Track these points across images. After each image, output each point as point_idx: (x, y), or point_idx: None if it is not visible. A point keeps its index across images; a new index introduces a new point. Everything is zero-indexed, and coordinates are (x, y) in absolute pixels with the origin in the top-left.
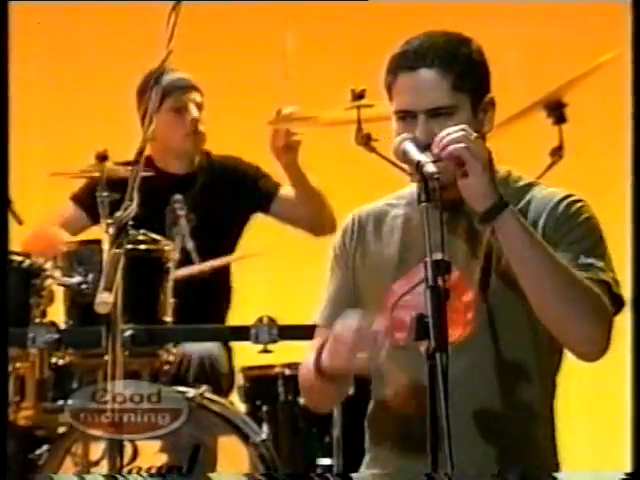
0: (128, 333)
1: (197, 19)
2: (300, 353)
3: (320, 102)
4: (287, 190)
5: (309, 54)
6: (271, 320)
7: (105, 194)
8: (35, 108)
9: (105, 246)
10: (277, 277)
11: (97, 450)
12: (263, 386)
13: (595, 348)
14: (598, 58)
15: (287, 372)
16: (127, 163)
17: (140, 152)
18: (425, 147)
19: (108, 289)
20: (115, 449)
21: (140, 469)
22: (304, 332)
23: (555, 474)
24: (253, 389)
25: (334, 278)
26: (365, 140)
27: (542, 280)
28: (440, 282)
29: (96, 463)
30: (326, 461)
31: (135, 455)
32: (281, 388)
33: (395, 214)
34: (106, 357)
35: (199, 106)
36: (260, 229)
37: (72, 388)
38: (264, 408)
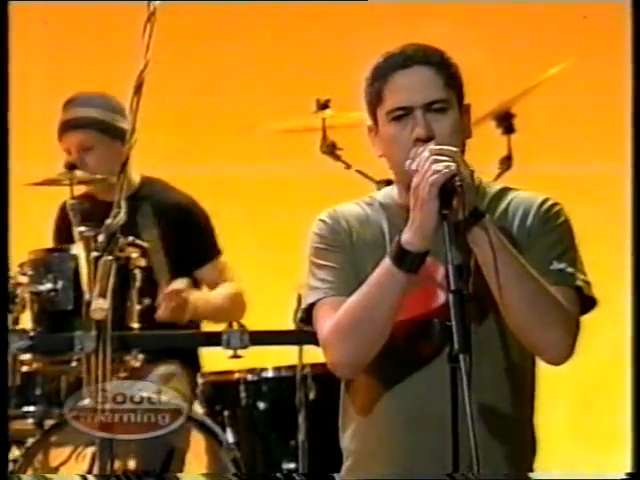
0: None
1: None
2: (262, 358)
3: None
4: (222, 262)
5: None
6: (240, 326)
7: (75, 202)
8: (35, 107)
9: (80, 253)
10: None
11: (56, 456)
12: (223, 391)
13: (559, 355)
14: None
15: (249, 377)
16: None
17: (124, 162)
18: (425, 140)
19: (102, 295)
20: (104, 451)
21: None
22: (275, 338)
23: (555, 474)
24: (213, 394)
25: (332, 256)
26: (330, 149)
27: (511, 288)
28: (462, 286)
29: (56, 469)
30: (291, 466)
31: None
32: (243, 393)
33: (377, 217)
34: (73, 363)
35: (86, 148)
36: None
37: (36, 394)
38: (225, 413)
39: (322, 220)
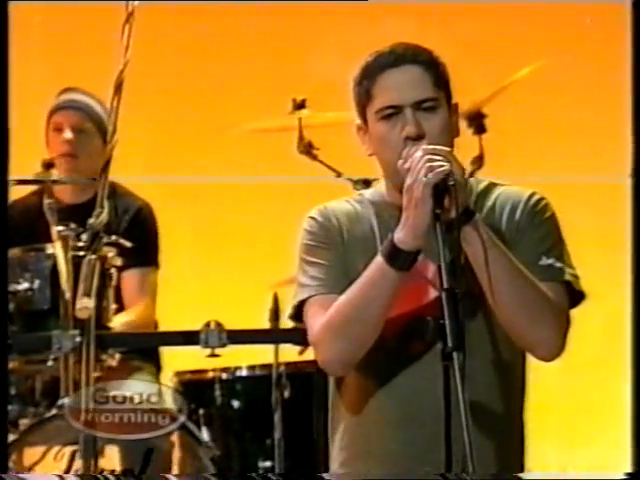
0: (79, 339)
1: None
2: (234, 357)
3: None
4: (151, 275)
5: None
6: (218, 324)
7: (52, 201)
8: (35, 107)
9: (58, 252)
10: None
11: (30, 456)
12: (197, 390)
13: (551, 351)
14: (603, 64)
15: (224, 376)
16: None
17: (107, 161)
18: (416, 139)
19: (87, 294)
20: (89, 450)
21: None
22: (253, 336)
23: (555, 474)
24: (187, 393)
25: (323, 253)
26: (307, 148)
27: (502, 286)
28: (454, 284)
29: (30, 469)
30: (267, 464)
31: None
32: (218, 392)
33: (367, 215)
34: (49, 363)
35: (79, 130)
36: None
37: (10, 394)
38: (200, 412)
39: (312, 217)
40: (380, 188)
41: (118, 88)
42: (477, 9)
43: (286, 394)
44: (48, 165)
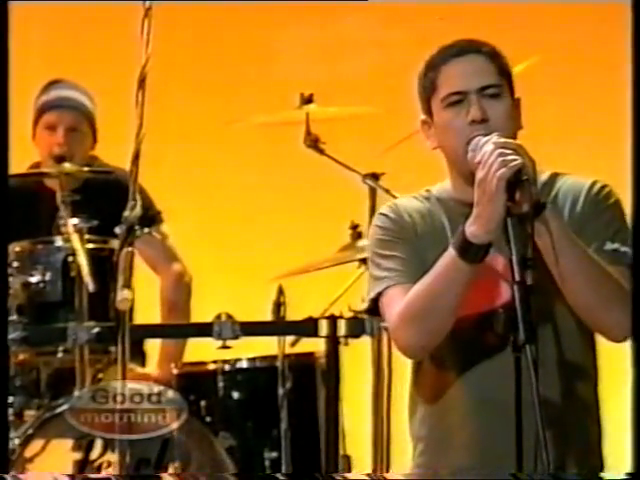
0: (95, 331)
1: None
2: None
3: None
4: (162, 230)
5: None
6: (229, 316)
7: (66, 194)
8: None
9: (75, 244)
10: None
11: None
12: (199, 381)
13: (624, 332)
14: (603, 64)
15: (227, 367)
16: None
17: (136, 155)
18: (480, 122)
19: (126, 286)
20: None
21: (110, 463)
22: (265, 328)
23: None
24: (188, 384)
25: (398, 247)
26: (314, 142)
27: (576, 277)
28: (526, 277)
29: (30, 460)
30: (273, 454)
31: (105, 450)
32: (221, 384)
33: (437, 212)
34: (59, 355)
35: (73, 129)
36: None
37: (15, 385)
38: (202, 403)
39: (384, 214)
40: (446, 184)
41: (142, 83)
42: (476, 9)
43: (287, 385)
44: (60, 159)
